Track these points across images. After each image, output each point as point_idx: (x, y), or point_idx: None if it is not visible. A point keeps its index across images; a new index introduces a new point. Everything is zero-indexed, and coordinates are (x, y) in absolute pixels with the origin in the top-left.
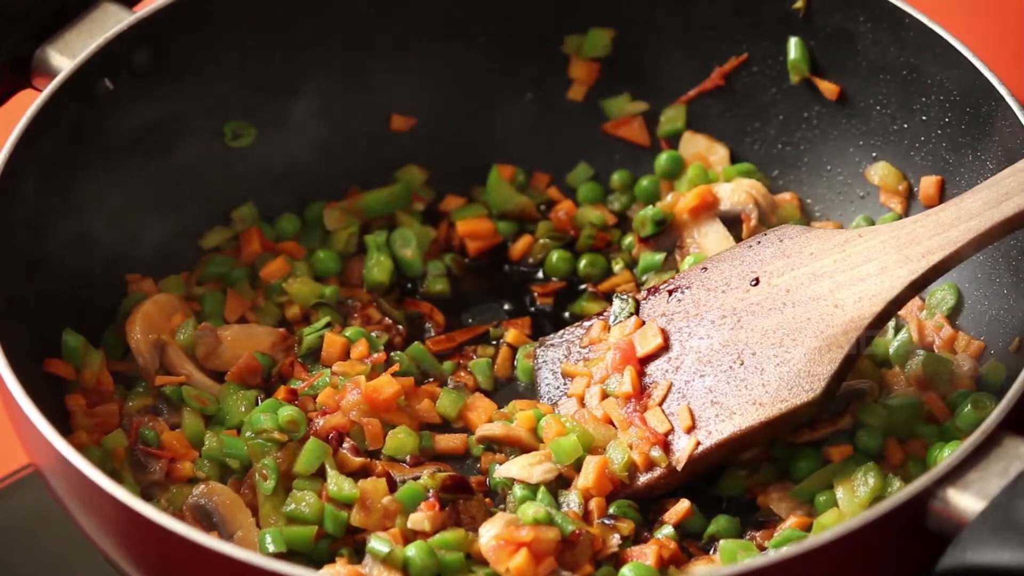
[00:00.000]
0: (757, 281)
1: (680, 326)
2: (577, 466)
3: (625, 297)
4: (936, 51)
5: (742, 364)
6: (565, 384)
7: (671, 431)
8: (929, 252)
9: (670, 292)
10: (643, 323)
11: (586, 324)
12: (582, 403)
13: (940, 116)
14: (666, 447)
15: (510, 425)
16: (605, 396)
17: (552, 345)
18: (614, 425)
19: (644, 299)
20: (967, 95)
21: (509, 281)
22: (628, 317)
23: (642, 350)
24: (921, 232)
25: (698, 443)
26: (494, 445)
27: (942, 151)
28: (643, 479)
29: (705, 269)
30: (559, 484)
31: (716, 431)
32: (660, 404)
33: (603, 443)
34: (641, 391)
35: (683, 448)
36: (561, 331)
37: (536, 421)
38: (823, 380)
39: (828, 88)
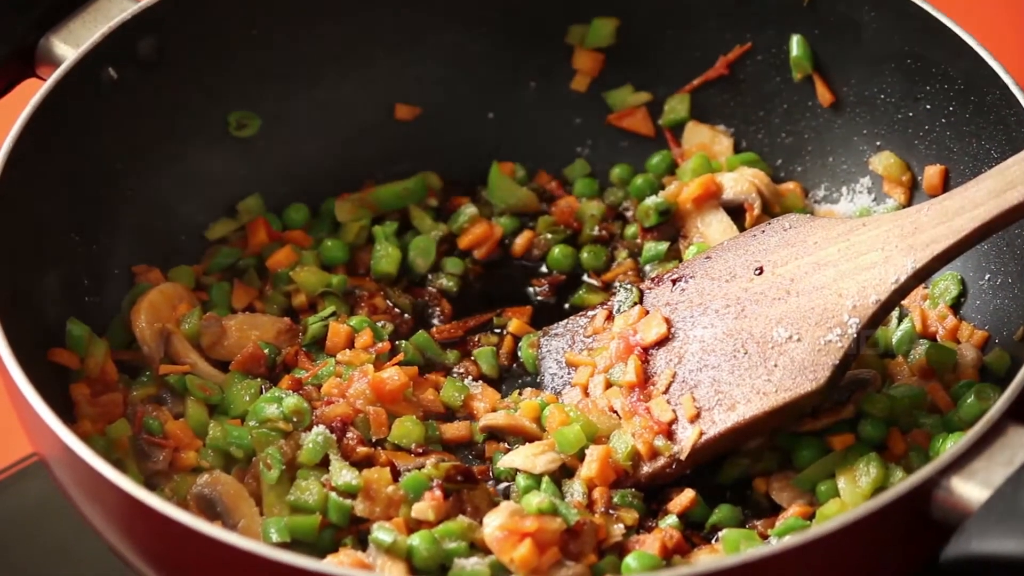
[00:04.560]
0: (761, 270)
1: (684, 315)
2: (580, 456)
3: (629, 286)
4: (940, 40)
5: (746, 353)
6: (569, 373)
7: (675, 420)
8: (933, 241)
9: (674, 281)
10: (647, 312)
11: (590, 313)
12: (586, 392)
13: (944, 105)
14: (670, 436)
15: (513, 414)
16: (609, 385)
17: (556, 335)
18: (618, 414)
19: (648, 288)
20: (972, 84)
21: (512, 276)
22: (632, 306)
23: (646, 339)
24: (925, 221)
25: (702, 432)
26: (497, 434)
27: (946, 140)
28: (646, 468)
29: (709, 258)
30: (562, 473)
31: (720, 420)
32: (664, 393)
33: (607, 432)
34: (645, 380)
35: (687, 437)
36: (565, 320)
37: (540, 410)
38: (827, 369)
39: (824, 95)
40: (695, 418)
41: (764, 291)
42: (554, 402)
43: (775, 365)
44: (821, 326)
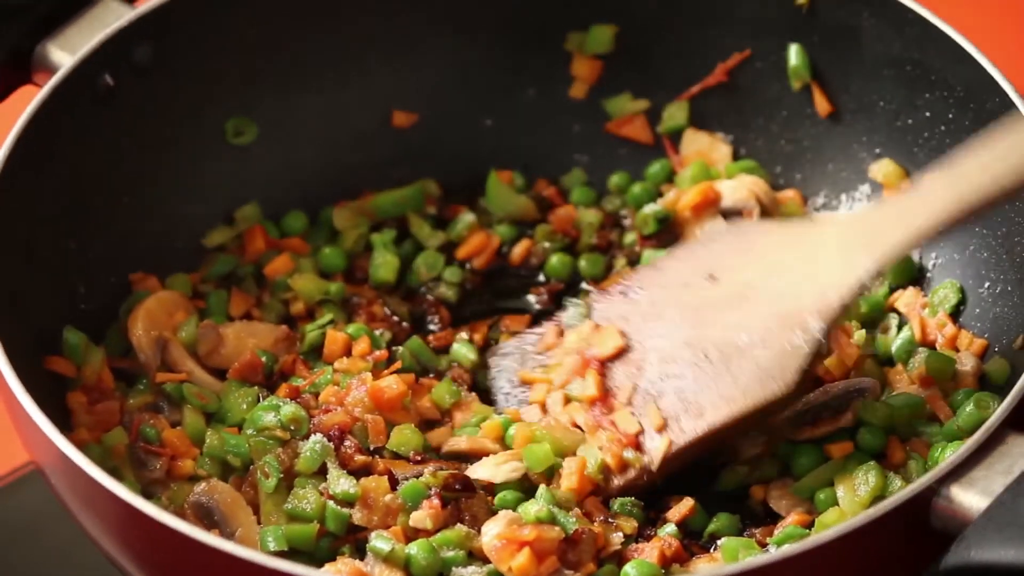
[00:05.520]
0: (714, 277)
1: (638, 326)
2: (548, 473)
3: (577, 301)
4: (940, 46)
5: (709, 361)
6: (524, 392)
7: (641, 432)
8: (891, 240)
9: (623, 293)
10: (598, 326)
11: (539, 330)
12: (544, 410)
13: (944, 112)
14: (638, 448)
15: (475, 436)
16: (568, 401)
17: (506, 354)
18: (582, 429)
19: (596, 301)
20: (971, 91)
21: (510, 285)
22: (582, 320)
23: (603, 352)
24: (882, 220)
25: (671, 442)
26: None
27: (946, 147)
28: (617, 481)
29: (657, 268)
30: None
31: (688, 429)
32: (627, 405)
33: (573, 448)
34: (605, 394)
35: (656, 448)
36: (514, 339)
37: (503, 429)
38: (792, 372)
39: (822, 105)
40: (662, 428)
41: (720, 297)
42: (518, 419)
43: (740, 371)
44: (784, 329)
